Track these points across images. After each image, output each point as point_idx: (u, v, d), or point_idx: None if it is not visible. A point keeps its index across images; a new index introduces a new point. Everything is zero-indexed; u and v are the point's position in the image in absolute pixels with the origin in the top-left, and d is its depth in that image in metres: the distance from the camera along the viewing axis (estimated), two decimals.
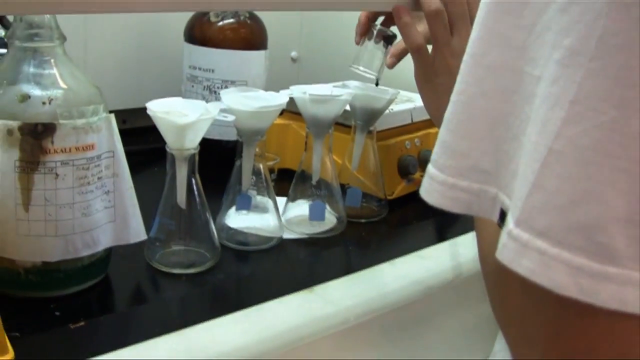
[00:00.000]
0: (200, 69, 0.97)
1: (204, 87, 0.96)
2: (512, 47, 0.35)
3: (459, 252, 0.79)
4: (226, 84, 0.96)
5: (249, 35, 0.99)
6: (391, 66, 0.82)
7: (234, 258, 0.76)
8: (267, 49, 1.01)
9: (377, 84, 0.85)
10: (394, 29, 0.87)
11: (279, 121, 0.94)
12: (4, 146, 0.60)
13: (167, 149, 0.69)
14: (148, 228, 0.70)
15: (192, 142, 0.68)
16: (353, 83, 0.85)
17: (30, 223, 0.62)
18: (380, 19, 0.86)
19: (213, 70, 0.96)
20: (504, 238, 0.32)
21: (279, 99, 0.74)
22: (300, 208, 0.84)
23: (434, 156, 0.39)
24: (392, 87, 0.86)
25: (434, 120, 0.72)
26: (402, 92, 0.94)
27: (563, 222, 0.30)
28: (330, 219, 0.83)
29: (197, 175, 0.71)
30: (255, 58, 0.98)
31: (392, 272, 0.75)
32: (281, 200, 0.83)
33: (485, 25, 0.36)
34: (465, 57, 0.38)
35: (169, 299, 0.68)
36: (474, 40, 0.37)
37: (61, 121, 0.61)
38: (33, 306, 0.62)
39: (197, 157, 0.70)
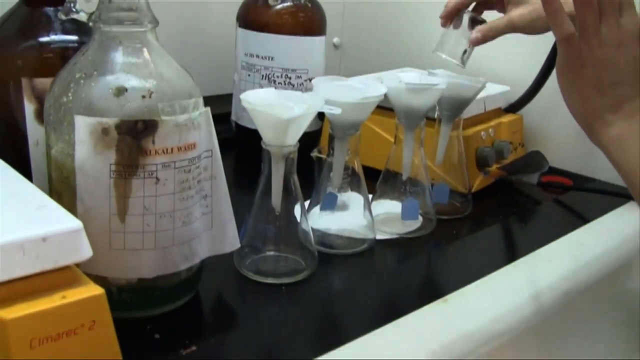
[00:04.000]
0: (258, 56, 0.89)
1: (262, 76, 0.89)
2: None
3: (579, 251, 0.73)
4: (286, 72, 0.88)
5: (310, 20, 0.91)
6: (476, 43, 0.78)
7: (325, 264, 0.68)
8: (326, 34, 0.93)
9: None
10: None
11: None
12: (97, 148, 0.52)
13: (264, 146, 0.62)
14: None
15: (293, 139, 0.61)
16: (440, 71, 0.78)
17: (126, 235, 0.54)
18: (472, 4, 0.80)
19: (272, 58, 0.88)
20: None
21: (378, 89, 0.67)
22: (385, 206, 0.77)
23: None
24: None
25: (574, 115, 0.65)
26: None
27: None
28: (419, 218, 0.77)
29: (296, 176, 0.64)
30: (316, 44, 0.91)
31: (522, 275, 0.67)
32: None
33: None
34: None
35: (263, 315, 0.60)
36: None
37: (163, 117, 0.53)
38: (127, 328, 0.54)
39: (296, 156, 0.62)
